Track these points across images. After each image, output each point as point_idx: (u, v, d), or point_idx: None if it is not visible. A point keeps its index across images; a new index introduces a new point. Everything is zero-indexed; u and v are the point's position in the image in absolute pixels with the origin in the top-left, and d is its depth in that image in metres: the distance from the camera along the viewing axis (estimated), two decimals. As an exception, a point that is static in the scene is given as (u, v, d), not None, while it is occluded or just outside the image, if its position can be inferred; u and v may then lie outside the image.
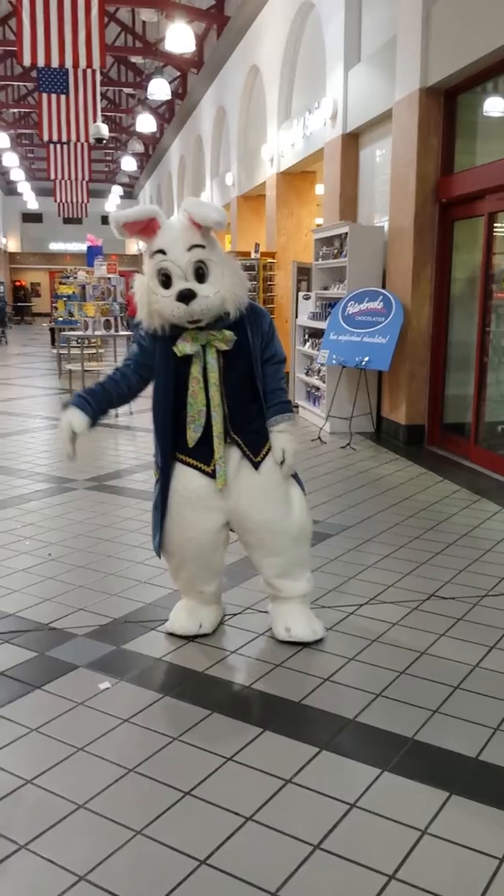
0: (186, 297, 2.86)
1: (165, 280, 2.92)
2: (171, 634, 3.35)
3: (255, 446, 3.13)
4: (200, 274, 2.91)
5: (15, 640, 3.31)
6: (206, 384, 3.01)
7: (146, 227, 2.96)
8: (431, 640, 3.33)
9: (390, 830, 2.16)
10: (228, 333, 3.00)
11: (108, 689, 2.90)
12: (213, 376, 3.01)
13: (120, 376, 3.14)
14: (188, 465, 3.11)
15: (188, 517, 3.13)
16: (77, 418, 3.02)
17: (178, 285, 2.89)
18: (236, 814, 2.22)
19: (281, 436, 3.14)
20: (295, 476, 3.27)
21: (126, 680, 2.98)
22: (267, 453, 3.15)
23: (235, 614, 3.57)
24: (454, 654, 3.20)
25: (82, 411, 3.03)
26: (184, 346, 2.97)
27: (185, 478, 3.11)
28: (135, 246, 42.34)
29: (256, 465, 3.13)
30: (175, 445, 3.11)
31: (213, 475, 3.08)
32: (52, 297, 16.17)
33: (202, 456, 3.08)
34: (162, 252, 2.92)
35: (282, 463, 3.13)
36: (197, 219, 2.88)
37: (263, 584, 3.36)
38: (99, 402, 3.09)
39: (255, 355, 3.09)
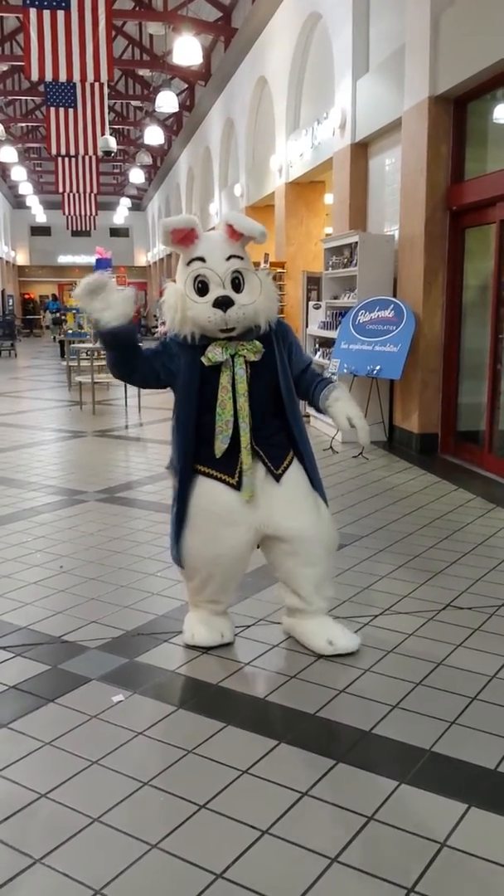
0: (223, 303, 2.89)
1: (202, 287, 2.95)
2: (192, 647, 3.31)
3: (276, 459, 3.14)
4: (237, 283, 2.96)
5: (27, 654, 3.29)
6: (234, 395, 3.00)
7: (185, 237, 3.00)
8: (448, 650, 3.30)
9: (409, 843, 2.13)
10: (258, 344, 3.02)
11: (121, 701, 2.88)
12: (242, 387, 3.00)
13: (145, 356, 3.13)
14: (212, 477, 3.09)
15: (219, 533, 3.09)
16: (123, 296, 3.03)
17: (216, 292, 2.91)
18: (252, 827, 2.19)
19: (338, 404, 3.16)
20: (318, 487, 3.27)
21: (140, 693, 2.95)
22: (288, 465, 3.16)
23: (249, 626, 3.54)
24: (471, 664, 3.17)
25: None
26: (214, 354, 2.97)
27: (212, 492, 3.09)
28: (143, 258, 42.58)
29: (278, 478, 3.13)
30: (196, 457, 3.10)
31: (237, 487, 3.07)
32: (44, 307, 16.12)
33: (226, 467, 3.08)
34: (201, 260, 2.96)
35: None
36: (242, 229, 2.94)
37: (293, 600, 3.28)
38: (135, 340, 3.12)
39: (281, 368, 3.09)
